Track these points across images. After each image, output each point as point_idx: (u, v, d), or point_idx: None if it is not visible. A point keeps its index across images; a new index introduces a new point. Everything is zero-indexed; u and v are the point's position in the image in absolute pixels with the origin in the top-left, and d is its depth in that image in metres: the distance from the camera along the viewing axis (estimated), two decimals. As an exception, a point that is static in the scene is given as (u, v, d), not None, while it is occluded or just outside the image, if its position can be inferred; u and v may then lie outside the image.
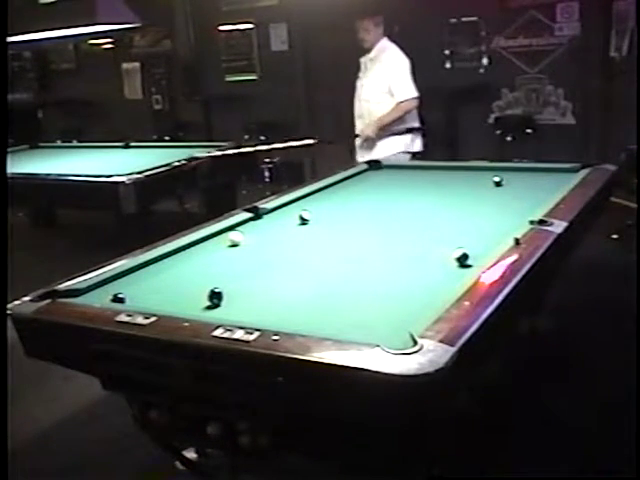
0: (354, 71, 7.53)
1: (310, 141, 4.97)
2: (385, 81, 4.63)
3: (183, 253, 2.64)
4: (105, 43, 9.43)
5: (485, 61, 7.03)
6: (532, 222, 2.52)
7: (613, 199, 3.89)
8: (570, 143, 6.37)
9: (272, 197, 3.42)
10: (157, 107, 9.33)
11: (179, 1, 8.63)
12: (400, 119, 4.67)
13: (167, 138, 8.30)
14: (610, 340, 3.48)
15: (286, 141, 4.86)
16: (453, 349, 1.57)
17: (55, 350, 2.10)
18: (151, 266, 2.49)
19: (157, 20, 8.43)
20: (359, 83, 4.87)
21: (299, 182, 4.49)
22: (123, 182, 4.54)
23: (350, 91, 7.77)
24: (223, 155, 5.04)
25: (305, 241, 2.78)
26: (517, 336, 2.73)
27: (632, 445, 2.54)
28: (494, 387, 2.85)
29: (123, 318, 1.88)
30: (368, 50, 4.76)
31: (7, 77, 8.68)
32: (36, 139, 7.45)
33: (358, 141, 4.87)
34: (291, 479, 2.07)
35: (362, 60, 4.84)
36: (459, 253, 2.22)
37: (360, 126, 4.85)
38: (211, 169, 5.06)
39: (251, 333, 1.70)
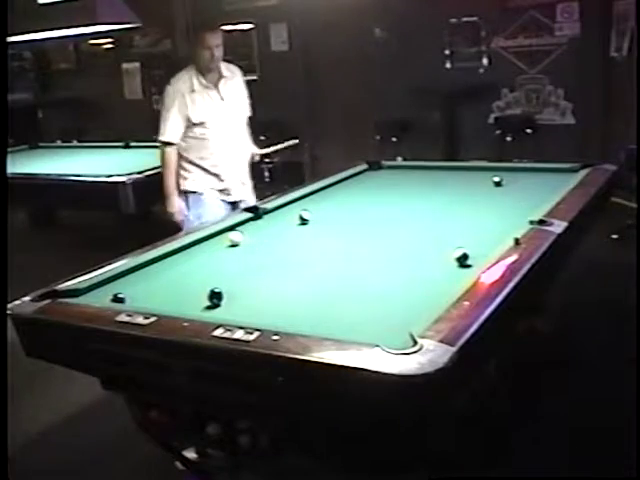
0: (354, 71, 7.59)
1: (295, 141, 4.49)
2: (246, 101, 3.99)
3: (183, 253, 2.65)
4: (105, 43, 9.43)
5: (485, 61, 7.03)
6: (532, 222, 2.52)
7: (613, 199, 3.89)
8: (570, 143, 6.37)
9: (272, 197, 3.42)
10: (157, 107, 9.31)
11: (179, 1, 8.63)
12: None
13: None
14: (610, 340, 3.48)
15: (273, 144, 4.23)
16: (453, 349, 1.57)
17: (55, 350, 2.10)
18: (151, 266, 2.49)
19: (157, 20, 8.42)
20: (222, 106, 3.79)
21: (299, 182, 4.49)
22: (123, 182, 4.54)
23: (350, 92, 7.79)
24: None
25: (305, 241, 2.78)
26: (517, 336, 2.73)
27: (632, 445, 2.54)
28: (494, 387, 2.84)
29: (123, 318, 1.89)
30: (211, 70, 3.73)
31: (7, 77, 8.67)
32: (36, 139, 7.45)
33: (239, 175, 3.93)
34: (291, 479, 2.07)
35: (210, 81, 3.76)
36: (459, 253, 2.22)
37: (233, 156, 3.88)
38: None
39: (251, 333, 1.70)
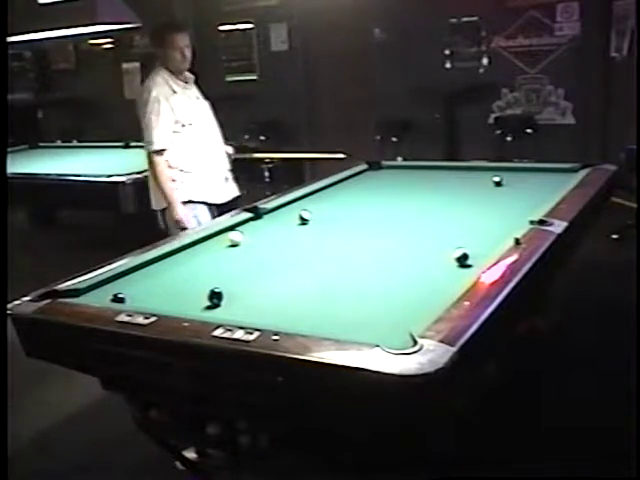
0: (354, 71, 7.59)
1: (340, 155, 4.46)
2: None
3: (183, 253, 2.64)
4: (105, 43, 9.43)
5: (485, 61, 7.04)
6: (532, 222, 2.52)
7: (613, 199, 3.89)
8: (570, 143, 6.37)
9: (272, 197, 3.42)
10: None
11: (179, 1, 8.63)
12: None
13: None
14: (610, 340, 3.48)
15: (309, 151, 4.17)
16: (453, 349, 1.57)
17: (55, 350, 2.10)
18: (151, 266, 2.49)
19: (157, 20, 8.41)
20: (199, 105, 3.83)
21: (299, 182, 4.49)
22: (123, 182, 4.54)
23: (350, 92, 7.78)
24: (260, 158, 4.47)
25: (305, 241, 2.78)
26: (517, 336, 2.73)
27: (632, 445, 2.54)
28: (494, 387, 2.85)
29: (123, 318, 1.89)
30: (182, 70, 3.71)
31: (7, 77, 8.68)
32: (36, 139, 7.45)
33: (225, 174, 3.90)
34: (291, 479, 2.06)
35: (178, 83, 3.70)
36: (459, 253, 2.22)
37: (216, 154, 3.86)
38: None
39: (251, 333, 1.70)
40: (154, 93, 3.60)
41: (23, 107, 9.45)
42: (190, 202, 3.71)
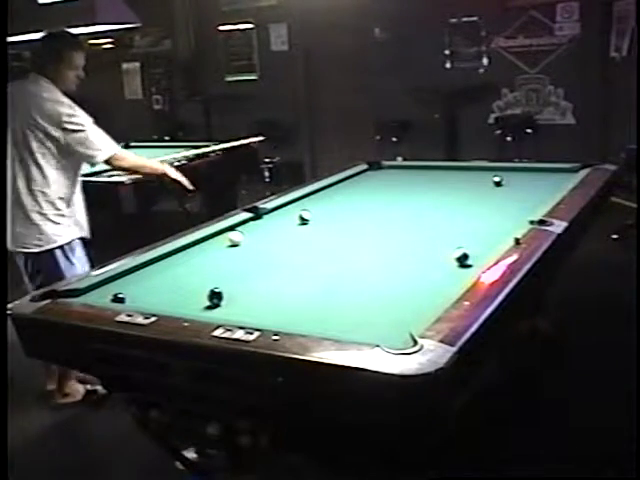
0: (354, 71, 7.59)
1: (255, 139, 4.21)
2: None
3: (183, 253, 2.64)
4: (105, 43, 9.43)
5: (485, 61, 7.04)
6: (532, 222, 2.52)
7: (613, 199, 3.90)
8: (570, 143, 6.37)
9: (272, 197, 3.42)
10: (157, 107, 9.33)
11: (179, 1, 8.63)
12: None
13: (167, 138, 8.30)
14: (610, 340, 3.48)
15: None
16: (453, 349, 1.57)
17: (55, 350, 2.10)
18: (151, 266, 2.49)
19: (157, 20, 8.43)
20: None
21: (299, 182, 4.49)
22: (123, 182, 4.53)
23: (350, 92, 7.77)
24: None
25: (305, 241, 2.78)
26: (517, 336, 2.73)
27: (632, 445, 2.54)
28: (494, 387, 2.85)
29: (123, 318, 1.88)
30: (72, 91, 3.31)
31: (7, 77, 8.68)
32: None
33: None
34: (291, 479, 2.07)
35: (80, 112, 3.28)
36: (459, 253, 2.22)
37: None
38: (211, 169, 5.06)
39: (251, 333, 1.70)
40: (74, 106, 3.22)
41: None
42: (72, 242, 3.31)
